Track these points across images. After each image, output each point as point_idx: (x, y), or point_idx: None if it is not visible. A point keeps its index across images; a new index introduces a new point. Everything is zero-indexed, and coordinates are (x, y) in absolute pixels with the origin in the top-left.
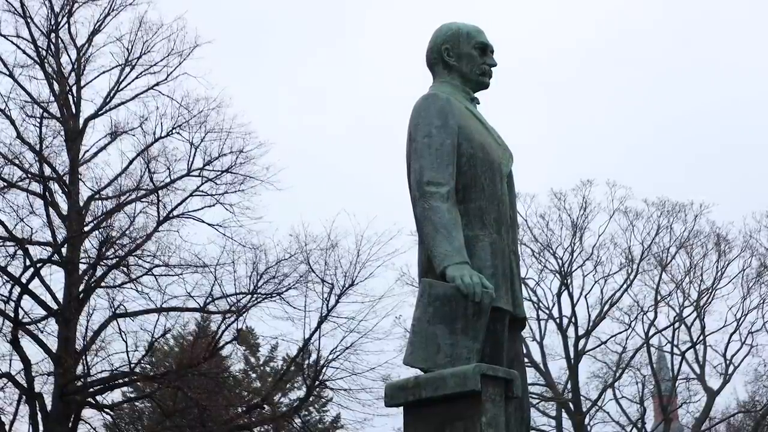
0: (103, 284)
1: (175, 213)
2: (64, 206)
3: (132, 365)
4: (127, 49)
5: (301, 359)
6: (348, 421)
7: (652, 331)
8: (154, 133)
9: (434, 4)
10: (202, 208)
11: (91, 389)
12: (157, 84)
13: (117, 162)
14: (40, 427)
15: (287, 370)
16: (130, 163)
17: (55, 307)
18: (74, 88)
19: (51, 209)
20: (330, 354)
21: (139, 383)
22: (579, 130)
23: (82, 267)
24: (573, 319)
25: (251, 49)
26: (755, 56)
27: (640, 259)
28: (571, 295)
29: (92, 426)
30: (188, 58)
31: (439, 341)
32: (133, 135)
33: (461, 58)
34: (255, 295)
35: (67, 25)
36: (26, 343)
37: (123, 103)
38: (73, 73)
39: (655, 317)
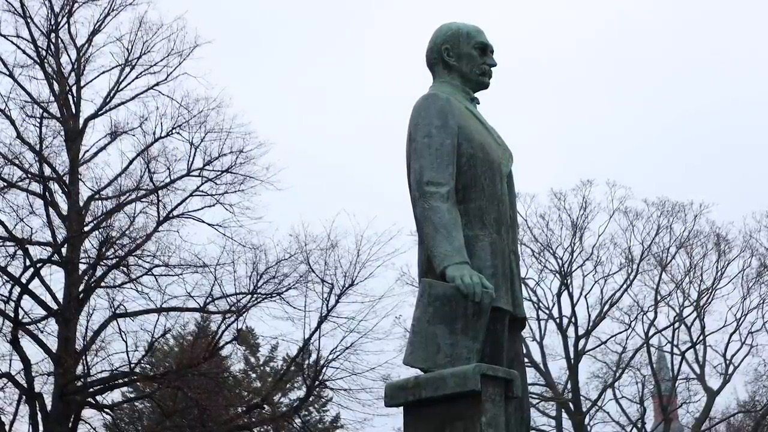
0: (103, 284)
1: (175, 213)
2: (64, 206)
3: (132, 365)
4: (127, 49)
5: (301, 359)
6: (348, 421)
7: (652, 331)
8: (154, 133)
9: (436, 4)
10: (202, 208)
11: (91, 389)
12: (157, 84)
13: (117, 162)
14: (40, 427)
15: (287, 370)
16: (130, 163)
17: (55, 307)
18: (74, 88)
19: (51, 209)
20: (330, 354)
21: (139, 383)
22: (579, 130)
23: (82, 267)
24: (573, 319)
25: (251, 49)
26: (755, 56)
27: (640, 259)
28: (571, 295)
29: (92, 426)
30: (188, 58)
31: (439, 341)
32: (133, 135)
33: (461, 58)
34: (255, 295)
35: (67, 25)
36: (26, 343)
37: (123, 103)
38: (73, 73)
39: (655, 317)
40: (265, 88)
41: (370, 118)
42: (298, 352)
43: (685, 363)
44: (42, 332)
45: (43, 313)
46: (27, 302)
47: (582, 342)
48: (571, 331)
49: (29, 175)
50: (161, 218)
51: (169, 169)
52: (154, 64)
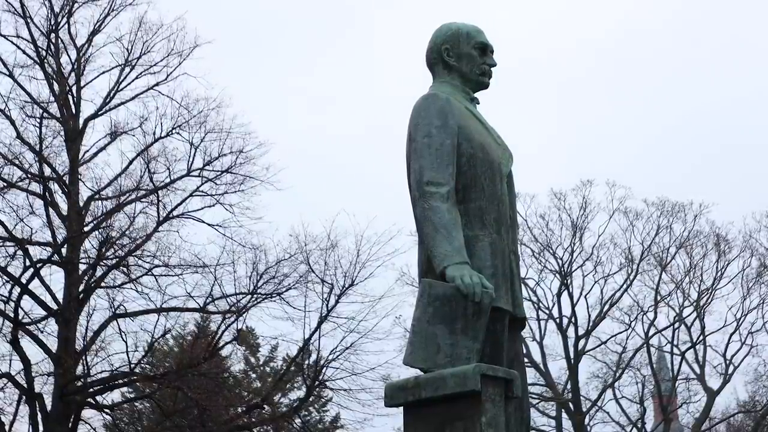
0: (103, 284)
1: (175, 213)
2: (64, 206)
3: (132, 365)
4: (127, 50)
5: (301, 359)
6: (348, 421)
7: (652, 331)
8: (154, 133)
9: (439, 4)
10: (202, 208)
11: (91, 389)
12: (157, 84)
13: (117, 162)
14: (40, 428)
15: (287, 370)
16: (130, 163)
17: (55, 307)
18: (74, 88)
19: (51, 209)
20: (330, 354)
21: (139, 383)
22: (579, 130)
23: (82, 267)
24: (573, 319)
25: (251, 49)
26: (755, 55)
27: (640, 259)
28: (571, 295)
29: (92, 426)
30: (188, 58)
31: (439, 341)
32: (133, 135)
33: (461, 58)
34: (255, 295)
35: (67, 26)
36: (26, 343)
37: (123, 103)
38: (73, 73)
39: (655, 317)
40: (264, 88)
41: (370, 118)
42: (298, 352)
43: (685, 363)
44: (42, 332)
45: (43, 313)
46: (27, 302)
47: (582, 342)
48: (571, 331)
49: (29, 175)
50: (161, 218)
51: (169, 169)
52: (154, 64)
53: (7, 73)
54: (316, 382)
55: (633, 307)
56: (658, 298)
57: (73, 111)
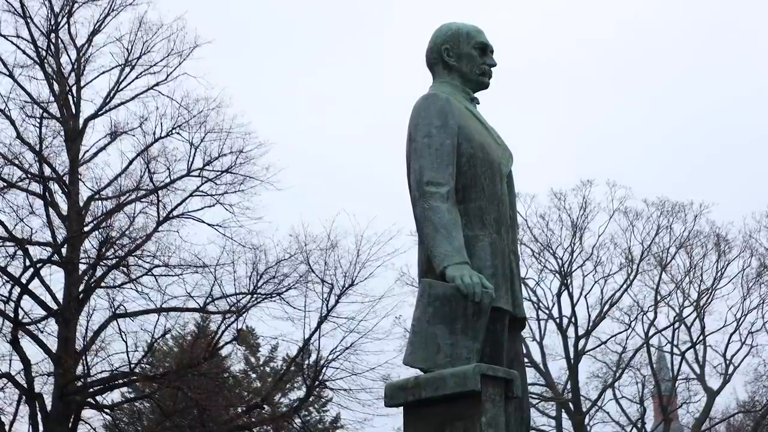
0: (103, 284)
1: (175, 213)
2: (64, 206)
3: (132, 365)
4: (127, 50)
5: (301, 359)
6: (348, 421)
7: (652, 331)
8: (154, 134)
9: (440, 4)
10: (202, 209)
11: (91, 389)
12: (157, 84)
13: (117, 162)
14: (40, 428)
15: (287, 370)
16: (130, 163)
17: (55, 307)
18: (74, 88)
19: (51, 209)
20: (330, 354)
21: (138, 383)
22: (584, 130)
23: (82, 267)
24: (573, 319)
25: (251, 49)
26: (755, 55)
27: (640, 259)
28: (571, 295)
29: (92, 426)
30: (188, 58)
31: (439, 341)
32: (133, 135)
33: (461, 58)
34: (255, 295)
35: (67, 26)
36: (26, 343)
37: (123, 103)
38: (72, 73)
39: (655, 317)
40: (264, 88)
41: (370, 118)
42: (298, 352)
43: (685, 363)
44: (42, 332)
45: (43, 313)
46: (27, 302)
47: (582, 342)
48: (571, 331)
49: (29, 175)
50: (161, 218)
51: (169, 169)
52: (154, 64)
53: (7, 73)
54: (316, 382)
55: (633, 307)
56: (658, 298)
57: (73, 111)
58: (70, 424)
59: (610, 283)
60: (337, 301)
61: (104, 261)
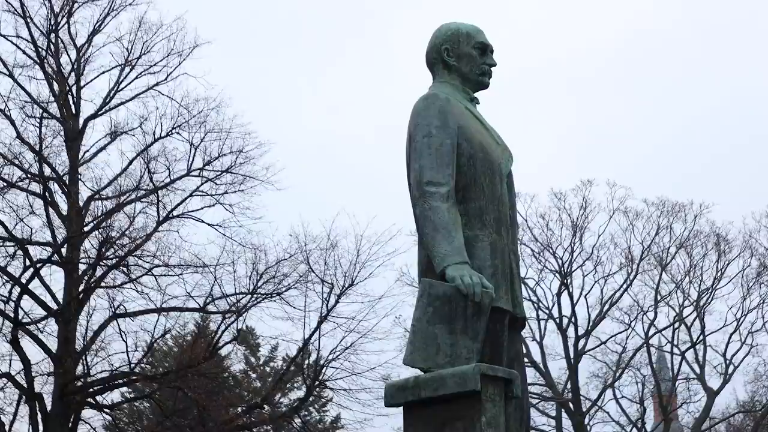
0: (103, 284)
1: (174, 213)
2: (64, 206)
3: (132, 365)
4: (127, 49)
5: (301, 359)
6: (348, 421)
7: (652, 331)
8: (154, 133)
9: (444, 4)
10: (202, 208)
11: (91, 389)
12: (157, 84)
13: (117, 162)
14: (40, 427)
15: (287, 370)
16: (130, 163)
17: (55, 307)
18: (74, 88)
19: (51, 209)
20: (330, 354)
21: (138, 383)
22: (579, 130)
23: (82, 267)
24: (573, 319)
25: (252, 49)
26: (756, 55)
27: (640, 259)
28: (571, 295)
29: (92, 426)
30: (188, 58)
31: (439, 341)
32: (133, 135)
33: (461, 58)
34: (255, 295)
35: (66, 25)
36: (26, 343)
37: (123, 103)
38: (72, 73)
39: (655, 317)
40: (264, 88)
41: (370, 118)
42: (298, 352)
43: (685, 363)
44: (42, 332)
45: (43, 313)
46: (27, 302)
47: (582, 342)
48: (571, 331)
49: (29, 175)
50: (161, 218)
51: (169, 169)
52: (154, 64)
53: (7, 73)
54: (316, 382)
55: (633, 307)
56: (658, 298)
57: (73, 111)
58: (70, 424)
59: (610, 283)
60: (337, 301)
61: (104, 261)
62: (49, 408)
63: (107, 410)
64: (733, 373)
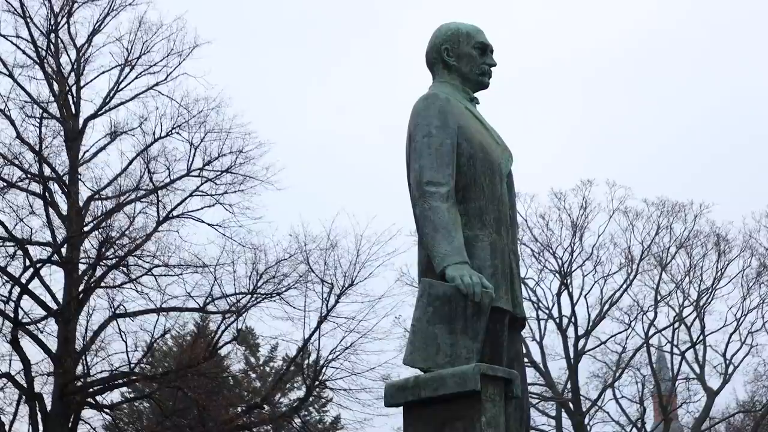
0: (102, 284)
1: (174, 213)
2: (63, 206)
3: (132, 365)
4: (127, 49)
5: (300, 359)
6: (348, 421)
7: (652, 331)
8: (154, 133)
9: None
10: (202, 208)
11: (91, 389)
12: (157, 84)
13: (117, 162)
14: (40, 427)
15: (287, 370)
16: (130, 163)
17: (54, 307)
18: (74, 88)
19: (51, 209)
20: (330, 354)
21: (138, 383)
22: (580, 129)
23: (82, 267)
24: (573, 319)
25: (253, 49)
26: (756, 55)
27: (639, 259)
28: (570, 295)
29: (92, 426)
30: (188, 58)
31: (439, 341)
32: (133, 135)
33: (461, 58)
34: (255, 295)
35: (66, 26)
36: (26, 343)
37: (123, 103)
38: (72, 73)
39: (655, 317)
40: (266, 88)
41: (370, 118)
42: (298, 352)
43: (685, 363)
44: (42, 332)
45: (43, 313)
46: (27, 302)
47: (582, 342)
48: (570, 331)
49: (29, 176)
50: (161, 218)
51: (168, 169)
52: (154, 64)
53: (7, 73)
54: (316, 382)
55: (633, 306)
56: (658, 297)
57: (73, 111)
58: (70, 424)
59: (610, 283)
60: (336, 301)
61: (104, 261)
62: (49, 408)
63: (107, 410)
64: (733, 373)
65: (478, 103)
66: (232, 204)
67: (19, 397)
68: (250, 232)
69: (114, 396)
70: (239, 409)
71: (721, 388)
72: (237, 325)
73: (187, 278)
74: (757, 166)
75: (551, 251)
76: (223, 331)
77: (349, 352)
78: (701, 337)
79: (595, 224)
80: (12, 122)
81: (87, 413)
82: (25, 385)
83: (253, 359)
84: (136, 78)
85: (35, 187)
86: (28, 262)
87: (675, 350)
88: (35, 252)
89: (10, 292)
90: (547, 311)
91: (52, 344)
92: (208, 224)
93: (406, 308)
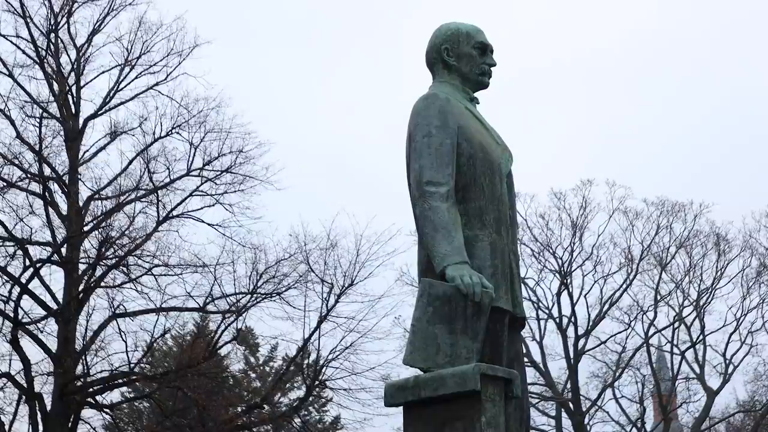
0: (102, 284)
1: (174, 213)
2: (63, 206)
3: (132, 365)
4: (127, 49)
5: (300, 359)
6: (348, 421)
7: (652, 330)
8: (154, 133)
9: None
10: (202, 208)
11: (91, 389)
12: (157, 84)
13: (116, 162)
14: (40, 427)
15: (287, 370)
16: (130, 163)
17: (54, 307)
18: (74, 88)
19: (51, 209)
20: (330, 354)
21: (138, 383)
22: (580, 130)
23: (82, 267)
24: (573, 319)
25: (253, 49)
26: (756, 54)
27: (639, 259)
28: (570, 295)
29: (92, 426)
30: (188, 58)
31: (439, 341)
32: (133, 135)
33: (461, 58)
34: (255, 295)
35: (66, 25)
36: (26, 343)
37: (122, 103)
38: (72, 73)
39: (655, 317)
40: (265, 88)
41: (369, 118)
42: (298, 352)
43: (684, 363)
44: (42, 332)
45: (43, 313)
46: (27, 302)
47: (582, 342)
48: (570, 331)
49: (29, 175)
50: (161, 218)
51: (168, 169)
52: (154, 64)
53: (7, 73)
54: (316, 382)
55: (633, 306)
56: (658, 297)
57: (73, 111)
58: (70, 424)
59: (610, 283)
60: (336, 301)
61: (104, 261)
62: (49, 408)
63: (107, 410)
64: (733, 372)
65: (478, 103)
66: (232, 204)
67: (19, 396)
68: (250, 232)
69: (114, 396)
70: (239, 408)
71: (720, 388)
72: (237, 325)
73: (187, 278)
74: (757, 166)
75: (551, 251)
76: (223, 331)
77: (349, 351)
78: (701, 337)
79: (595, 224)
80: (12, 122)
81: (87, 413)
82: (25, 385)
83: (252, 359)
84: (136, 78)
85: (35, 186)
86: (28, 262)
87: (675, 350)
88: (35, 252)
89: (10, 292)
90: (547, 311)
91: (52, 344)
92: (208, 224)
93: (406, 308)
